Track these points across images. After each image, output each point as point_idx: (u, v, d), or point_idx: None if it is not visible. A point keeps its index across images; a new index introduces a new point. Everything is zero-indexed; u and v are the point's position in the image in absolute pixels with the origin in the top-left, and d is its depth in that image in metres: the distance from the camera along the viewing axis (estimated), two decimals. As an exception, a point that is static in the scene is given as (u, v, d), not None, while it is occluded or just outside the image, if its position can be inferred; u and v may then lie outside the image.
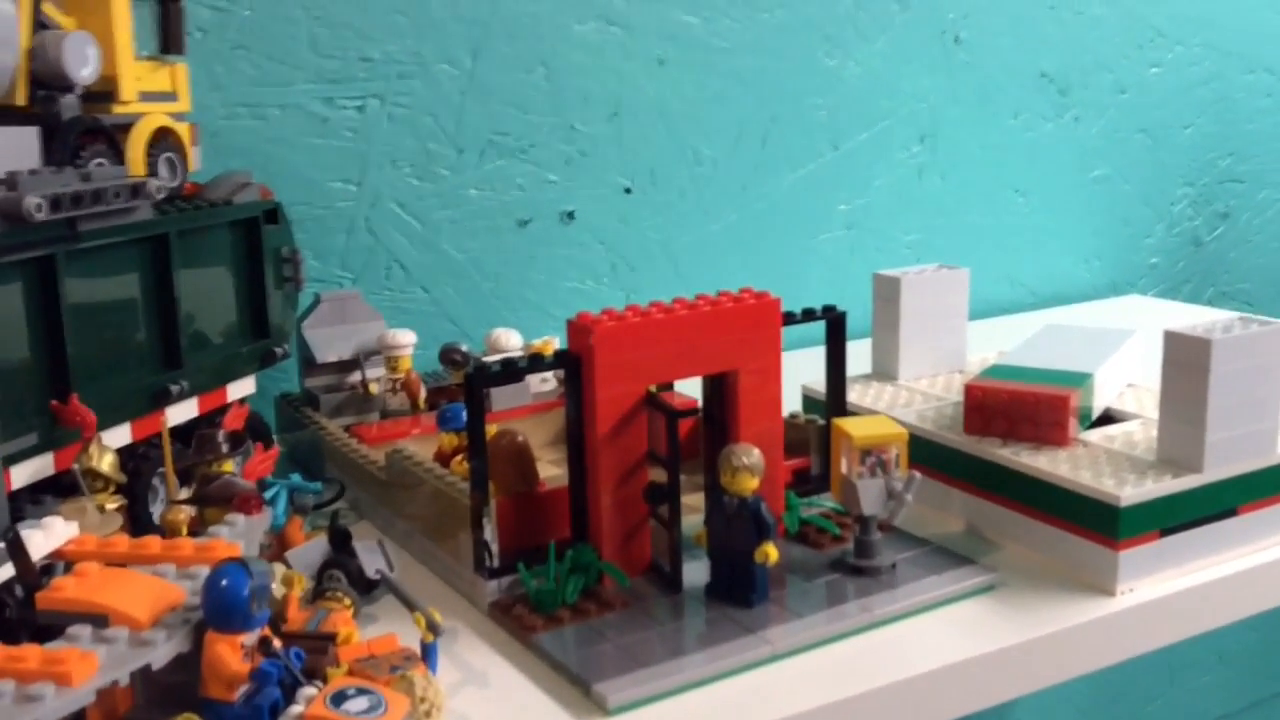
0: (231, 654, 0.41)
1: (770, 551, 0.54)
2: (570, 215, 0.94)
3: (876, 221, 1.08)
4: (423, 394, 0.76)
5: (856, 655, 0.52)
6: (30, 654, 0.39)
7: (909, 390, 0.74)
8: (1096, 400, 0.66)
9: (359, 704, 0.42)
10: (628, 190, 0.96)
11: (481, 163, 0.89)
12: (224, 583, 0.41)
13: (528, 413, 0.76)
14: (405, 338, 0.77)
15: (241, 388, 0.70)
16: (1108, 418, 0.68)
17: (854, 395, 0.71)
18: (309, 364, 0.77)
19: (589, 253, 0.95)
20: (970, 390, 0.64)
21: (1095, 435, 0.64)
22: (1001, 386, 0.64)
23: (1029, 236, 1.17)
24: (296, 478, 0.63)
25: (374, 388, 0.76)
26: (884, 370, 0.76)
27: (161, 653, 0.41)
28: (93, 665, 0.39)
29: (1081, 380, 0.65)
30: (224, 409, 0.68)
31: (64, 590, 0.42)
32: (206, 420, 0.66)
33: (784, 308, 0.60)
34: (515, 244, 0.92)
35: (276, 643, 0.42)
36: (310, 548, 0.56)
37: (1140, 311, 1.16)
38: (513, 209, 0.91)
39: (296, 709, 0.41)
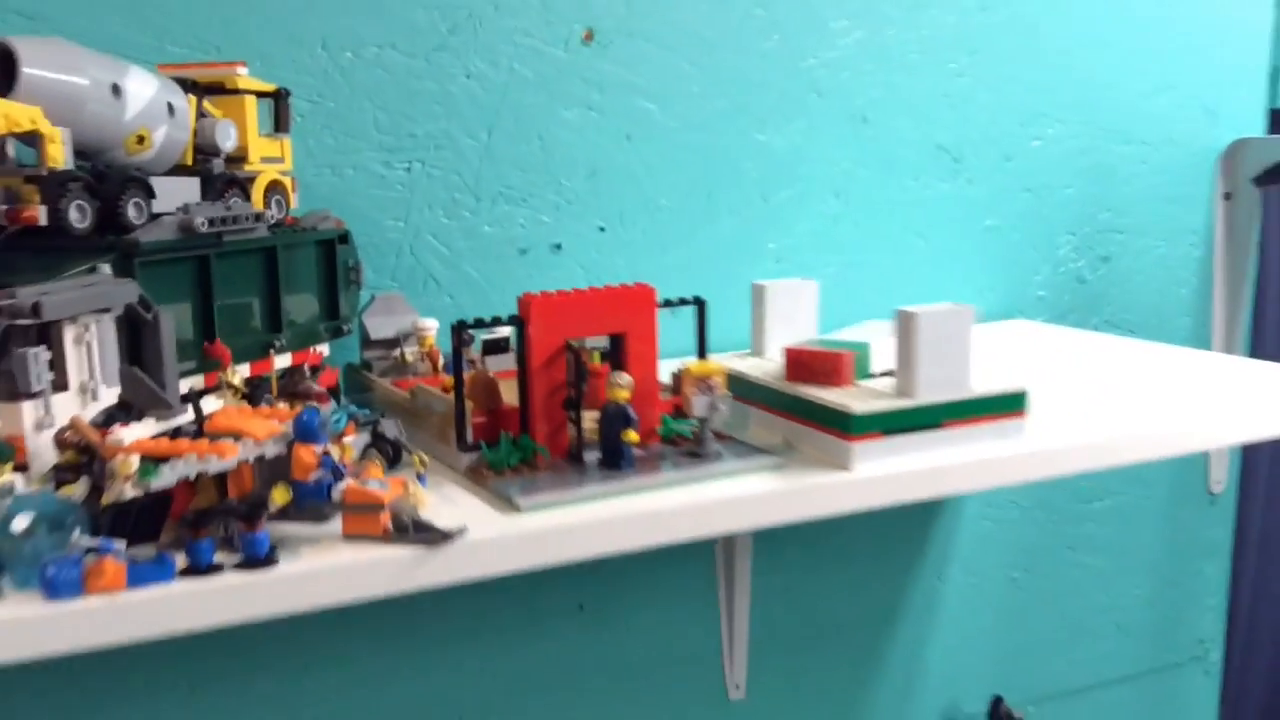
0: (308, 453, 0.76)
1: (632, 436, 0.89)
2: (558, 247, 1.29)
3: (801, 258, 1.42)
4: (440, 361, 1.12)
5: (685, 494, 0.86)
6: (202, 445, 0.74)
7: (765, 359, 1.08)
8: (875, 363, 1.00)
9: (374, 485, 0.77)
10: (602, 229, 1.31)
11: (493, 208, 1.26)
12: (304, 416, 0.76)
13: (512, 375, 1.11)
14: (430, 324, 1.12)
15: (321, 349, 1.06)
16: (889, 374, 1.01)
17: (731, 361, 1.05)
18: (365, 341, 1.13)
19: (572, 275, 1.30)
20: (788, 352, 0.98)
21: (866, 381, 0.97)
22: (806, 349, 0.98)
23: (929, 271, 1.50)
24: (354, 408, 0.99)
25: (409, 357, 1.12)
26: (757, 349, 1.10)
27: (270, 450, 0.76)
28: (235, 450, 0.74)
29: (861, 347, 0.98)
30: (317, 368, 1.05)
31: (218, 421, 0.78)
32: (298, 370, 1.03)
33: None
34: (516, 266, 1.27)
35: (334, 449, 0.78)
36: (360, 438, 0.91)
37: (1025, 332, 1.48)
38: (515, 241, 1.27)
39: (343, 484, 0.77)
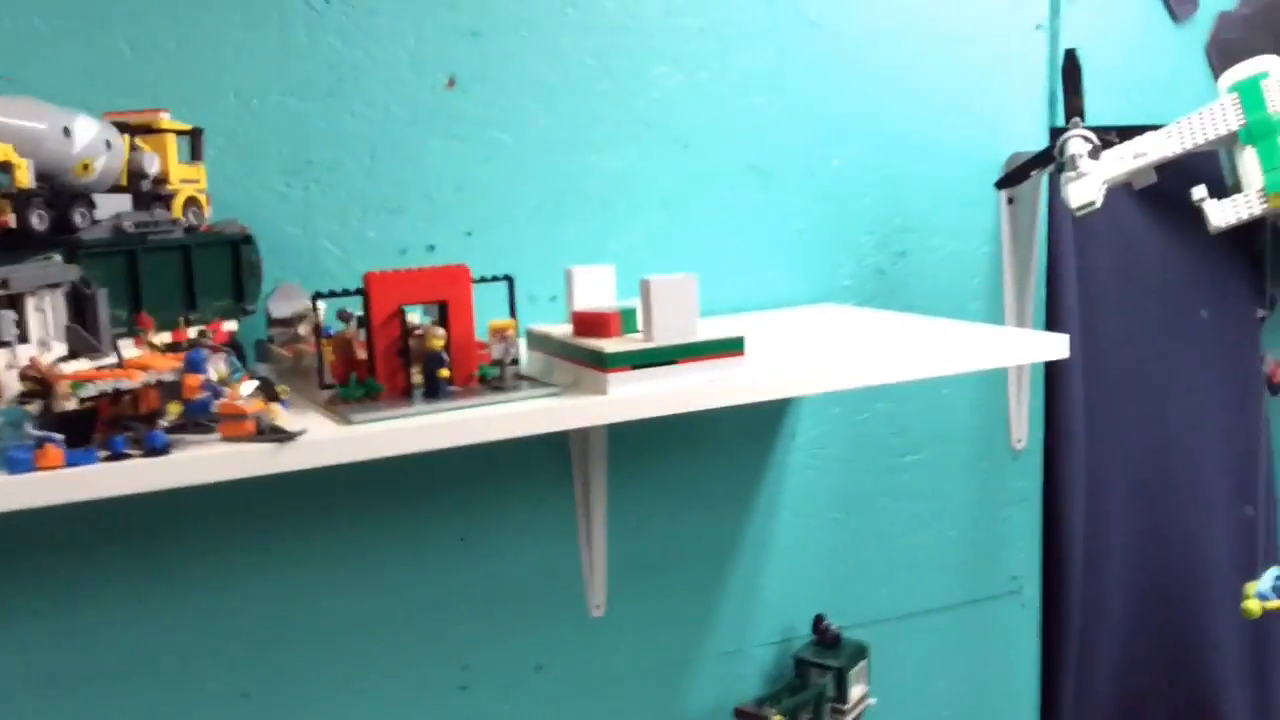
0: (194, 379, 1.09)
1: (444, 373, 1.22)
2: (432, 248, 1.63)
3: (636, 256, 1.74)
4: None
5: (481, 412, 1.19)
6: (118, 372, 1.07)
7: (567, 325, 1.41)
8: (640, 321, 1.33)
9: (241, 403, 1.10)
10: (468, 234, 1.64)
11: (376, 217, 1.59)
12: (191, 354, 1.10)
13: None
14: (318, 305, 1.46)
15: (230, 325, 1.39)
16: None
17: (540, 325, 1.38)
18: (269, 321, 1.47)
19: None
20: (574, 314, 1.32)
21: (630, 334, 1.30)
22: (586, 311, 1.31)
23: (746, 266, 1.82)
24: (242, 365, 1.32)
25: (302, 332, 1.45)
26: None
27: (168, 377, 1.09)
28: (140, 375, 1.07)
29: (629, 311, 1.31)
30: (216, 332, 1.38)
31: (133, 360, 1.11)
32: (203, 333, 1.36)
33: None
34: (398, 264, 1.61)
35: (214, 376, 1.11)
36: (251, 383, 1.24)
37: (829, 313, 1.81)
38: (396, 244, 1.61)
39: (220, 401, 1.10)
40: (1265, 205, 1.43)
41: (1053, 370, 2.12)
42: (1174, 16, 2.12)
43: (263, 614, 1.58)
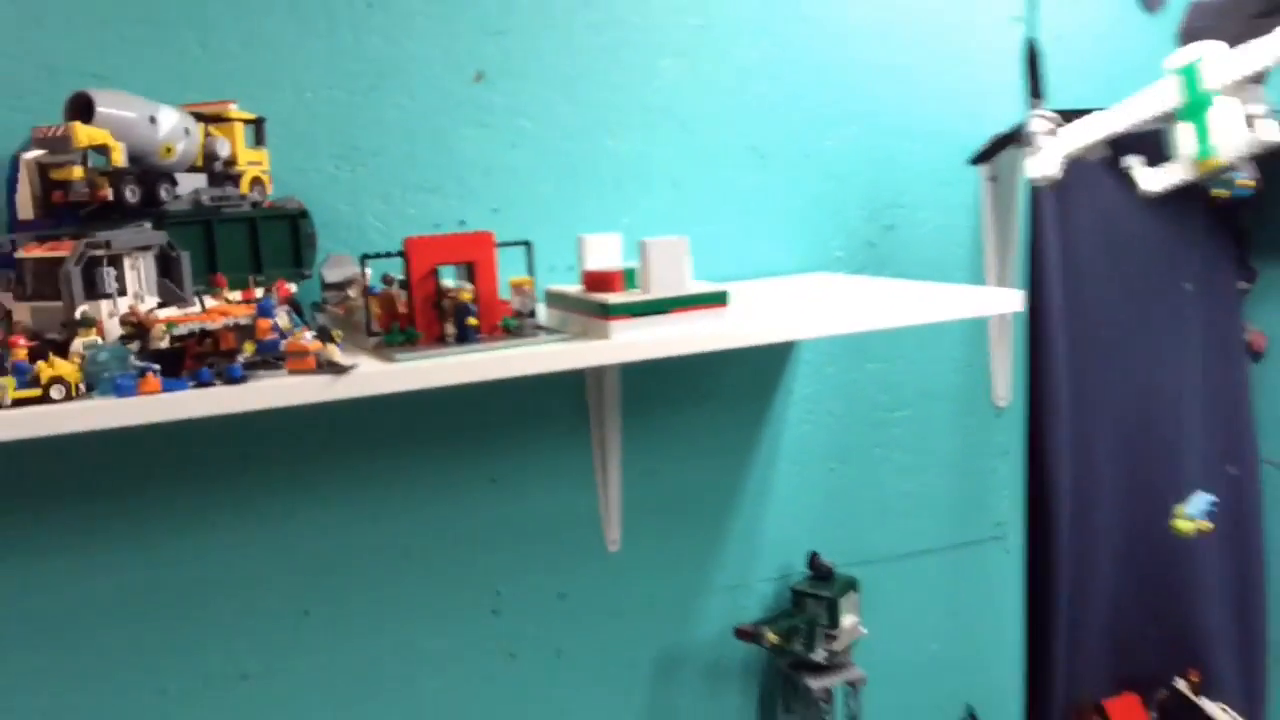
0: (265, 323, 1.31)
1: (471, 321, 1.43)
2: (462, 222, 1.85)
3: (646, 228, 1.96)
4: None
5: (500, 354, 1.40)
6: (202, 316, 1.30)
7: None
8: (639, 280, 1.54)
9: (305, 341, 1.33)
10: (495, 210, 1.86)
11: (415, 196, 1.81)
12: (263, 301, 1.32)
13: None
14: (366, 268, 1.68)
15: (291, 286, 1.62)
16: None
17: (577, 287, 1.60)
18: (323, 285, 1.69)
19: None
20: (585, 273, 1.53)
21: (633, 289, 1.51)
22: (595, 271, 1.52)
23: (749, 235, 2.03)
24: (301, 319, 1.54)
25: (351, 293, 1.68)
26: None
27: (243, 320, 1.31)
28: (220, 318, 1.30)
29: (630, 270, 1.52)
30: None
31: (214, 308, 1.34)
32: (269, 290, 1.58)
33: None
34: (432, 236, 1.83)
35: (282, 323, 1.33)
36: (311, 332, 1.46)
37: (822, 281, 2.01)
38: (431, 219, 1.83)
39: (287, 340, 1.32)
40: (1196, 171, 1.61)
41: (1037, 335, 2.31)
42: (1147, 8, 2.30)
43: (319, 543, 1.81)
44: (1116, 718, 2.43)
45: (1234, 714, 2.50)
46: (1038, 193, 2.24)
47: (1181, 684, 2.49)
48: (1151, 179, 1.66)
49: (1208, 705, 2.50)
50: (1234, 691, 2.59)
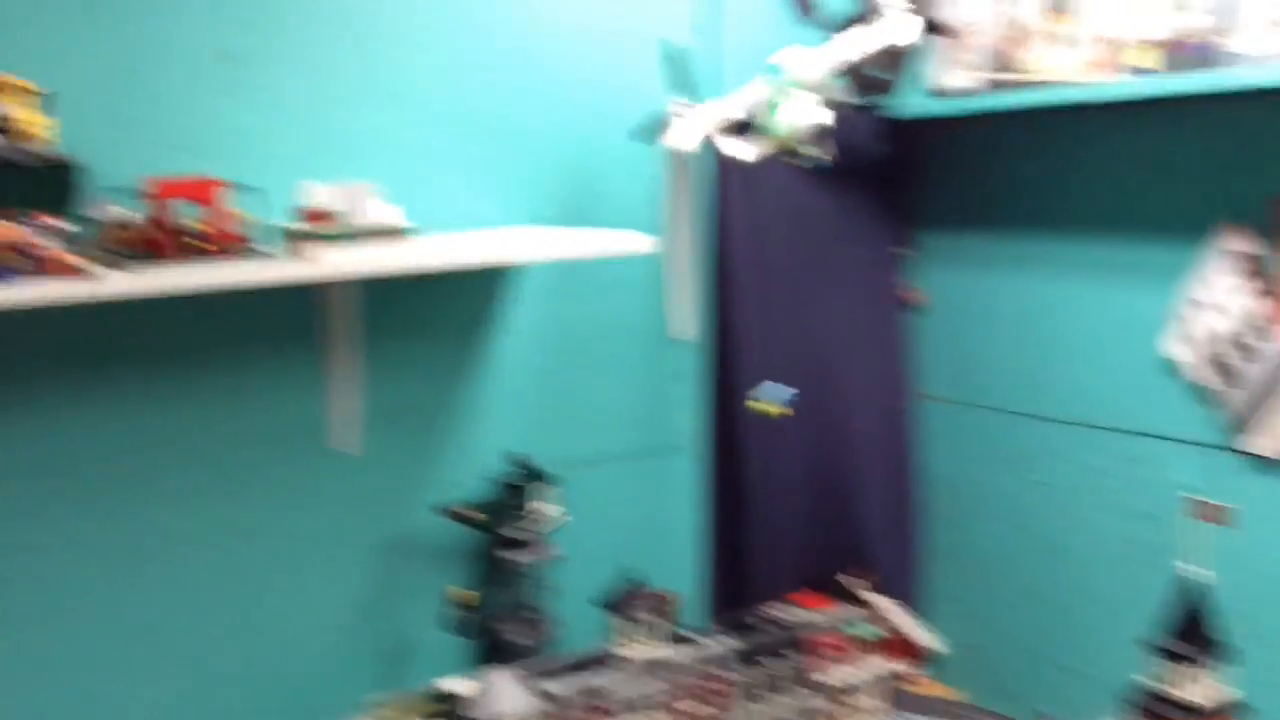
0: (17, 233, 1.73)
1: (198, 243, 1.87)
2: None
3: (388, 190, 2.40)
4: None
5: (203, 268, 1.84)
6: None
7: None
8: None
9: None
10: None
11: (168, 162, 2.23)
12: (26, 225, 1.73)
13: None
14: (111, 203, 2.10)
15: (55, 222, 2.02)
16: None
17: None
18: (91, 221, 2.10)
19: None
20: (301, 210, 1.98)
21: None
22: (308, 210, 1.97)
23: (471, 196, 2.47)
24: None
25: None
26: (301, 220, 2.11)
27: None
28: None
29: (344, 213, 1.97)
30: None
31: None
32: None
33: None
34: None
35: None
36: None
37: (520, 231, 2.47)
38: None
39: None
40: (773, 146, 2.14)
41: (724, 284, 2.81)
42: (801, 13, 2.81)
43: (91, 436, 2.19)
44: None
45: (902, 606, 3.02)
46: (725, 167, 2.74)
47: (851, 580, 2.97)
48: (743, 150, 2.18)
49: (878, 599, 3.01)
50: (900, 589, 3.14)
